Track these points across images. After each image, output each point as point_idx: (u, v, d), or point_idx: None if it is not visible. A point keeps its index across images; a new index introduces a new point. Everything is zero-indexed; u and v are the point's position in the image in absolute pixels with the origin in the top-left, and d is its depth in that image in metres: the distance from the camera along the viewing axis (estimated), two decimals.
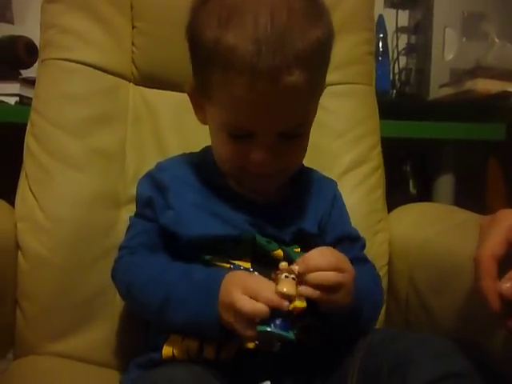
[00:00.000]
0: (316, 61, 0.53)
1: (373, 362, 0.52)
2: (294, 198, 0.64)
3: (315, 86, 0.56)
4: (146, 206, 0.63)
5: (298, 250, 0.61)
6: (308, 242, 0.60)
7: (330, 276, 0.50)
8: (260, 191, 0.61)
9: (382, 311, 0.79)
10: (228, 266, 0.58)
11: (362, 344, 0.56)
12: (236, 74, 0.51)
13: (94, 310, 0.70)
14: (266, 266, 0.57)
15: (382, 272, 0.79)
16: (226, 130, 0.56)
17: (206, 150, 0.64)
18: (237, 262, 0.58)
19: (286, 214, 0.62)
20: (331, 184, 0.70)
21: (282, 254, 0.59)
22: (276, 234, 0.60)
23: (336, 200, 0.68)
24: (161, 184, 0.62)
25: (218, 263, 0.58)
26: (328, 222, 0.65)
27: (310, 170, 0.70)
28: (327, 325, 0.55)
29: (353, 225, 0.71)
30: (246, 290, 0.50)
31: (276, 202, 0.63)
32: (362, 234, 0.73)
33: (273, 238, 0.59)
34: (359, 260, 0.64)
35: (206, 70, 0.54)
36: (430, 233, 0.74)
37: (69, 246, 0.70)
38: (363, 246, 0.68)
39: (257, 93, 0.51)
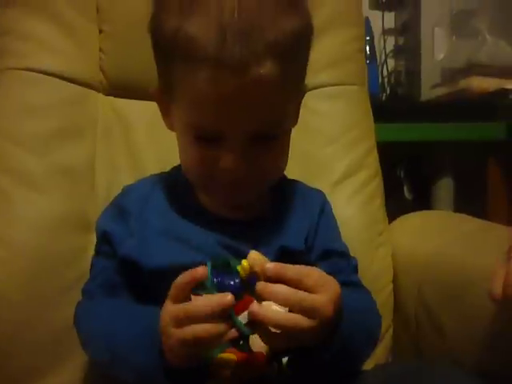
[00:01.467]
0: (291, 53, 0.48)
1: None
2: (274, 213, 0.58)
3: (291, 80, 0.50)
4: (102, 241, 0.58)
5: None
6: (294, 262, 0.53)
7: (287, 319, 0.42)
8: (233, 205, 0.55)
9: (389, 333, 0.73)
10: None
11: (375, 382, 0.48)
12: (197, 67, 0.45)
13: (63, 350, 0.63)
14: None
15: (388, 290, 0.73)
16: (191, 133, 0.50)
17: (178, 169, 0.59)
18: None
19: (266, 231, 0.56)
20: (318, 195, 0.64)
21: None
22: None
23: (323, 212, 0.61)
24: (123, 210, 0.57)
25: None
26: (315, 237, 0.59)
27: (293, 182, 0.63)
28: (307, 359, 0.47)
29: (351, 238, 0.64)
30: (178, 320, 0.43)
31: (254, 218, 0.57)
32: (362, 248, 0.67)
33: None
34: (353, 285, 0.58)
35: (167, 66, 0.49)
36: (438, 244, 0.68)
37: (29, 278, 0.63)
38: (355, 268, 0.61)
39: (222, 88, 0.45)
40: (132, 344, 0.47)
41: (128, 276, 0.55)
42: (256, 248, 0.50)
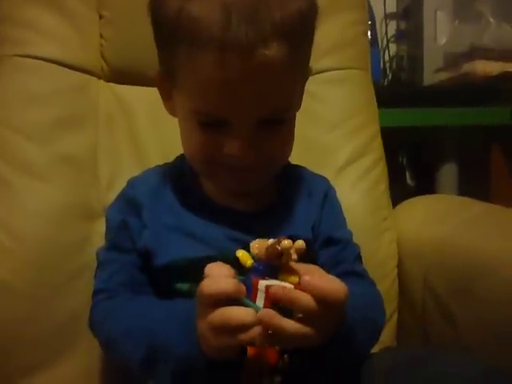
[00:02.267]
0: (298, 34, 0.46)
1: None
2: (281, 202, 0.57)
3: (298, 63, 0.48)
4: (119, 232, 0.55)
5: None
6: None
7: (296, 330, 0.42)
8: (241, 192, 0.54)
9: (394, 318, 0.73)
10: None
11: (383, 366, 0.48)
12: (202, 50, 0.44)
13: (68, 340, 0.63)
14: None
15: (393, 275, 0.73)
16: (195, 119, 0.48)
17: (183, 159, 0.58)
18: None
19: (274, 221, 0.55)
20: (322, 181, 0.63)
21: None
22: None
23: (327, 198, 0.60)
24: (134, 201, 0.55)
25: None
26: (320, 224, 0.58)
27: (297, 168, 0.62)
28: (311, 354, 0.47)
29: (356, 224, 0.64)
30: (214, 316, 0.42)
31: (261, 208, 0.56)
32: (367, 234, 0.66)
33: None
34: (356, 275, 0.57)
35: (170, 49, 0.47)
36: (445, 229, 0.67)
37: (35, 267, 0.62)
38: (358, 256, 0.60)
39: (228, 71, 0.44)
40: (172, 337, 0.46)
41: (146, 270, 0.54)
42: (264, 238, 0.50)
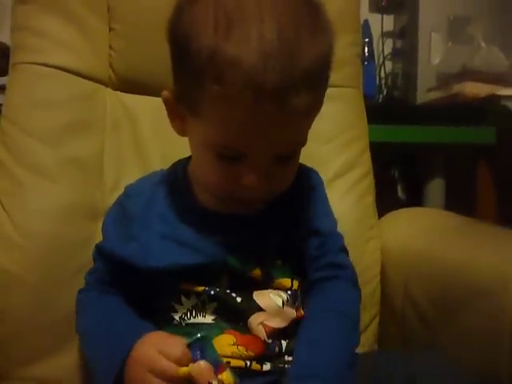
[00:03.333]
0: (322, 78, 0.49)
1: None
2: (272, 205, 0.58)
3: (319, 105, 0.51)
4: (104, 240, 0.61)
5: (280, 262, 0.57)
6: (294, 250, 0.57)
7: None
8: (243, 212, 0.55)
9: (375, 321, 0.77)
10: (202, 288, 0.54)
11: (365, 366, 0.52)
12: (236, 92, 0.43)
13: (71, 330, 0.64)
14: (244, 288, 0.54)
15: (375, 281, 0.77)
16: (214, 151, 0.49)
17: (177, 166, 0.60)
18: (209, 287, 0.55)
19: (267, 225, 0.56)
20: (311, 174, 0.64)
21: (260, 273, 0.55)
22: (255, 247, 0.55)
23: (315, 190, 0.62)
24: (126, 214, 0.58)
25: (193, 289, 0.55)
26: (307, 215, 0.59)
27: None
28: None
29: (343, 232, 0.66)
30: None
31: (252, 213, 0.56)
32: (353, 242, 0.69)
33: (252, 253, 0.55)
34: (338, 268, 0.58)
35: (197, 83, 0.46)
36: (424, 240, 0.71)
37: (42, 261, 0.66)
38: (342, 247, 0.60)
39: (259, 114, 0.44)
40: (104, 354, 0.52)
41: (124, 276, 0.57)
42: (256, 240, 0.55)
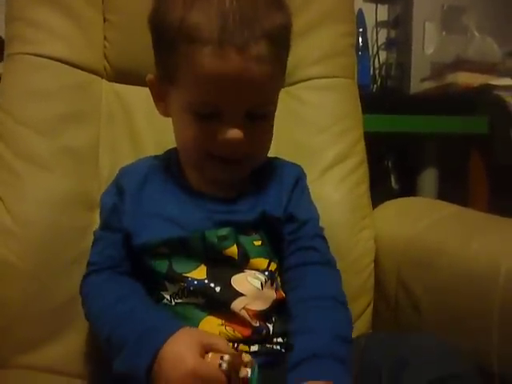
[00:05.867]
0: (280, 41, 0.54)
1: (369, 368, 0.51)
2: (254, 188, 0.62)
3: (279, 65, 0.56)
4: (111, 214, 0.61)
5: (259, 243, 0.59)
6: (272, 230, 0.59)
7: None
8: (223, 182, 0.59)
9: (370, 308, 0.78)
10: (183, 284, 0.56)
11: (355, 350, 0.53)
12: (202, 46, 0.50)
13: (67, 319, 0.67)
14: (220, 268, 0.56)
15: (368, 270, 0.78)
16: (191, 110, 0.54)
17: (170, 152, 0.64)
18: (190, 276, 0.56)
19: (249, 203, 0.60)
20: (294, 168, 0.67)
21: (237, 251, 0.57)
22: (236, 220, 0.58)
23: (297, 185, 0.64)
24: (121, 189, 0.61)
25: (172, 282, 0.56)
26: (288, 205, 0.62)
27: (272, 159, 0.67)
28: None
29: (337, 221, 0.68)
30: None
31: (237, 194, 0.61)
32: (347, 231, 0.70)
33: (233, 226, 0.57)
34: (313, 250, 0.60)
35: (171, 52, 0.53)
36: (417, 228, 0.72)
37: (39, 250, 0.67)
38: (320, 235, 0.62)
39: (224, 64, 0.50)
40: (133, 339, 0.50)
41: (122, 251, 0.60)
42: (236, 215, 0.57)
